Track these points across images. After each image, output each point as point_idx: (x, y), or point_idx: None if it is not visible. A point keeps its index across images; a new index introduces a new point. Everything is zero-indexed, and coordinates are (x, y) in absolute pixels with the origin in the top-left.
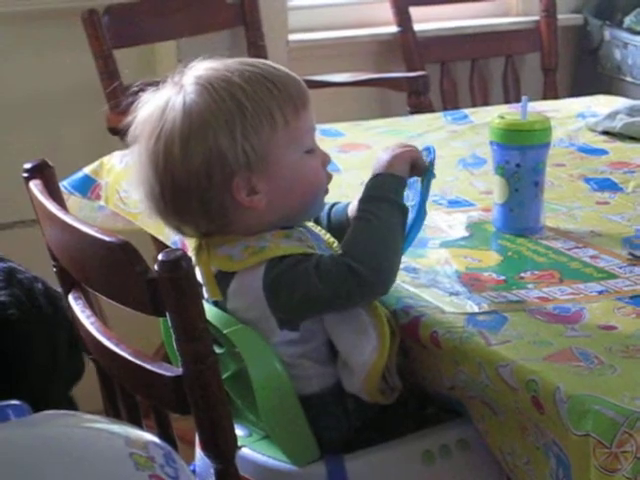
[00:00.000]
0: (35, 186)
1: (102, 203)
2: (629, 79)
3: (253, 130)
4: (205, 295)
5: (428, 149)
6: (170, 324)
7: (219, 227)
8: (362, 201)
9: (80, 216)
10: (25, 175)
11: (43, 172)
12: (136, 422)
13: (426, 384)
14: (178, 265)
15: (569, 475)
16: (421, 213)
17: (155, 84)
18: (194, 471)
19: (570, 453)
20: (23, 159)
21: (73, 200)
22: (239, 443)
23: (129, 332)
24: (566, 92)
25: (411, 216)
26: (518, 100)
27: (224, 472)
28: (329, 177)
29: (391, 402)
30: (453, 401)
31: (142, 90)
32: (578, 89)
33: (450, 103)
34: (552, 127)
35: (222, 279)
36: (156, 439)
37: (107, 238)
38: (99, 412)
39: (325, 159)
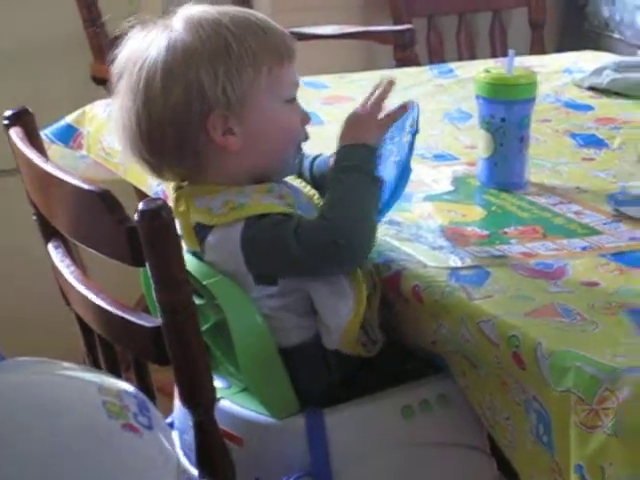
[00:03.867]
0: (15, 133)
1: (84, 152)
2: (616, 35)
3: (236, 72)
4: (184, 246)
5: (412, 106)
6: (149, 274)
7: (194, 170)
8: (337, 170)
9: (62, 165)
10: (5, 122)
11: (23, 119)
12: (115, 373)
13: (407, 338)
14: (158, 214)
15: (549, 431)
16: (406, 170)
17: (142, 25)
18: (172, 424)
19: (550, 409)
20: (6, 108)
21: (55, 149)
22: (218, 395)
23: (110, 283)
24: (553, 48)
25: (396, 173)
26: (505, 55)
27: (202, 424)
28: (306, 136)
29: (373, 354)
30: (434, 356)
31: (125, 36)
32: (565, 45)
33: (436, 57)
34: (538, 82)
35: (200, 231)
36: (130, 388)
37: (86, 186)
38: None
39: (305, 118)
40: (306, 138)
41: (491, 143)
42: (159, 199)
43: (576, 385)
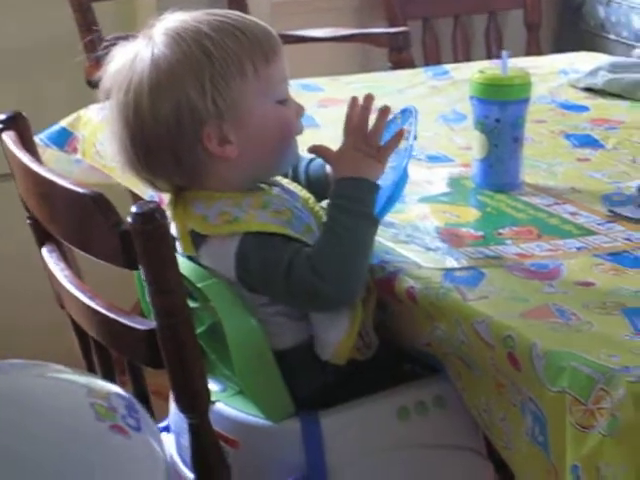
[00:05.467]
0: (8, 137)
1: (79, 156)
2: (612, 36)
3: (222, 79)
4: (179, 249)
5: (410, 110)
6: (143, 277)
7: (193, 180)
8: (333, 208)
9: (56, 169)
10: None
11: (17, 124)
12: (110, 377)
13: (403, 340)
14: (152, 217)
15: (545, 432)
16: (403, 177)
17: (127, 37)
18: (168, 427)
19: (546, 410)
20: (2, 111)
21: (50, 153)
22: (214, 398)
23: (108, 288)
24: (549, 49)
25: (392, 179)
26: (500, 57)
27: (197, 427)
28: (301, 128)
29: (367, 358)
30: (430, 357)
31: (116, 43)
32: (561, 46)
33: (432, 59)
34: (534, 83)
35: (196, 237)
36: (119, 390)
37: (80, 190)
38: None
39: (299, 110)
40: (300, 131)
41: (485, 144)
42: (153, 202)
43: (571, 385)
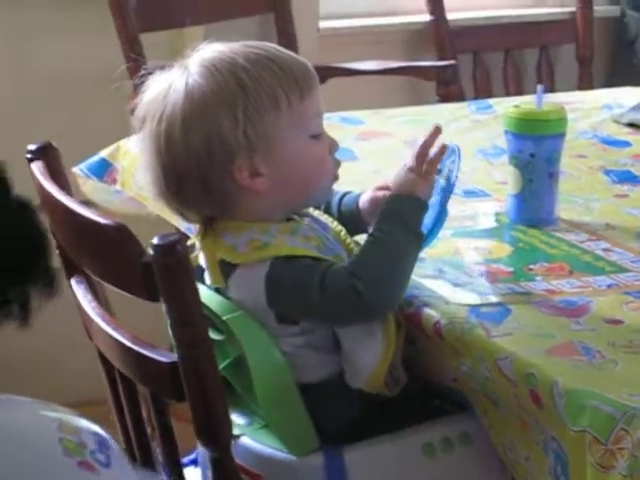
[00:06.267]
0: (37, 168)
1: (119, 187)
2: None
3: (255, 111)
4: (207, 281)
5: (453, 149)
6: (164, 309)
7: (223, 212)
8: (380, 220)
9: (97, 199)
10: (28, 157)
11: (47, 154)
12: (135, 409)
13: (431, 375)
14: (173, 249)
15: (567, 472)
16: (442, 214)
17: (164, 66)
18: (196, 460)
19: (568, 449)
20: (49, 140)
21: (90, 184)
22: (239, 431)
23: (143, 322)
24: (601, 84)
25: (432, 214)
26: (552, 91)
27: (219, 461)
28: (337, 164)
29: (395, 394)
30: (458, 394)
31: (152, 72)
32: (614, 81)
33: (483, 93)
34: (576, 119)
35: (225, 267)
36: (93, 426)
37: (102, 220)
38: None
39: (332, 145)
40: (337, 165)
41: (520, 179)
42: (174, 234)
43: (591, 424)
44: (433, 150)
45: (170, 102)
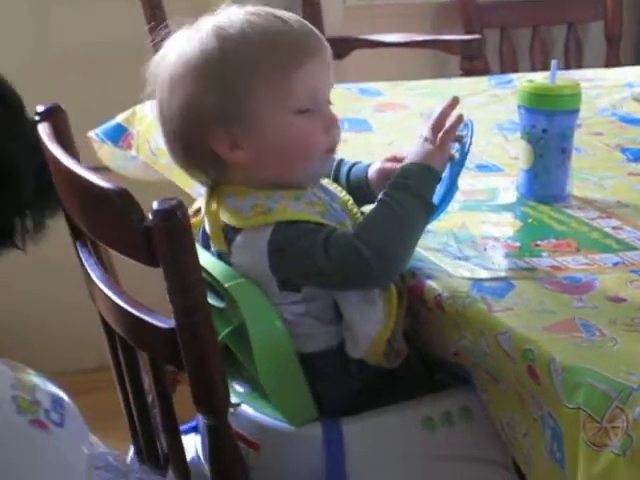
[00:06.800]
0: (43, 130)
1: (134, 153)
2: None
3: (231, 83)
4: (212, 247)
5: (466, 123)
6: (163, 274)
7: (220, 176)
8: (391, 186)
9: (112, 165)
10: (36, 118)
11: (55, 116)
12: (135, 376)
13: (433, 349)
14: (172, 214)
15: (562, 449)
16: (452, 188)
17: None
18: (196, 426)
19: (563, 426)
20: (70, 108)
21: (105, 149)
22: (240, 400)
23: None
24: (630, 62)
25: (441, 188)
26: (580, 68)
27: (216, 429)
28: (332, 140)
29: (395, 366)
30: (460, 368)
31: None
32: None
33: (509, 69)
34: (597, 95)
35: (229, 232)
36: (51, 386)
37: (104, 184)
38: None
39: (328, 123)
40: (333, 142)
41: (531, 154)
42: (175, 199)
43: (587, 402)
44: (449, 121)
45: (164, 66)
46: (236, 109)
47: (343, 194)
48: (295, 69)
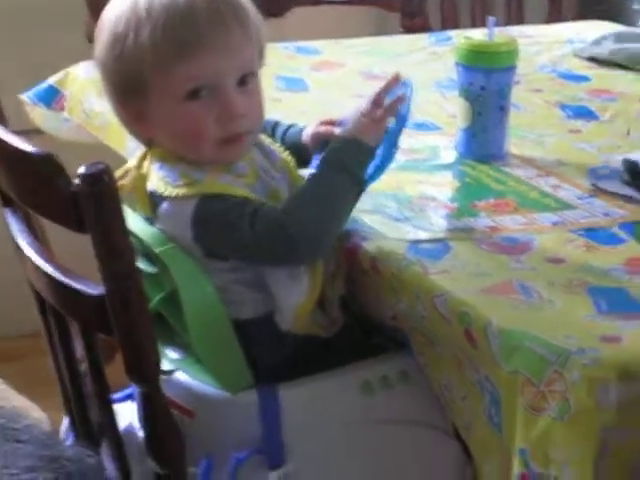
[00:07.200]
0: None
1: (66, 115)
2: (636, 6)
3: (128, 58)
4: (135, 208)
5: (405, 83)
6: (91, 240)
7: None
8: (322, 162)
9: (45, 128)
10: None
11: None
12: (66, 342)
13: (371, 312)
14: (99, 178)
15: (499, 413)
16: (392, 150)
17: None
18: (132, 395)
19: (501, 390)
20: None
21: (38, 111)
22: (174, 366)
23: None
24: (573, 18)
25: (381, 150)
26: (520, 24)
27: (148, 396)
28: (229, 132)
29: (331, 335)
30: (398, 331)
31: None
32: (585, 16)
33: (450, 26)
34: (537, 52)
35: (155, 197)
36: None
37: (30, 149)
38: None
39: (223, 113)
40: (230, 134)
41: (470, 112)
42: (101, 163)
43: (525, 366)
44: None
45: (102, 21)
46: (132, 84)
47: (285, 154)
48: (190, 54)
